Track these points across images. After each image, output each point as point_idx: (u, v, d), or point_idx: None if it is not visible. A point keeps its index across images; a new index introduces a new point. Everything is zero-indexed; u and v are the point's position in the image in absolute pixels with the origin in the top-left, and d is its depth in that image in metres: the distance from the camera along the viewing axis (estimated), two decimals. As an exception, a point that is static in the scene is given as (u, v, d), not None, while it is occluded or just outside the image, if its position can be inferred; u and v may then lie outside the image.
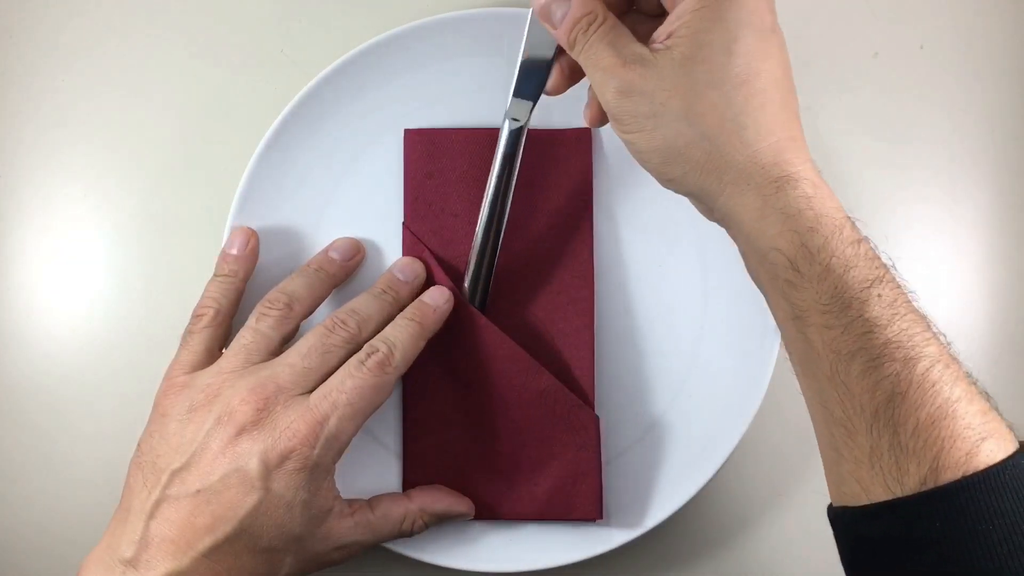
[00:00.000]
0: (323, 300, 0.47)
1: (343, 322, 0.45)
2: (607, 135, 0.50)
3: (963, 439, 0.33)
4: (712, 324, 0.50)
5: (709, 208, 0.40)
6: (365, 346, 0.44)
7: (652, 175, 0.41)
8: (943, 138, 0.55)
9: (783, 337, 0.39)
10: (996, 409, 0.35)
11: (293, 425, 0.41)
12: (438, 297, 0.47)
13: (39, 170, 0.54)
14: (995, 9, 0.55)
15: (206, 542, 0.40)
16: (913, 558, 0.33)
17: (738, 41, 0.38)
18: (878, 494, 0.34)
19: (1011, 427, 0.35)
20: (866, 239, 0.37)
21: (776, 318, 0.39)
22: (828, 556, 0.53)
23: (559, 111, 0.49)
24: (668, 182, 0.40)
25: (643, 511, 0.49)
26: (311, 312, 0.47)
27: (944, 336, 0.36)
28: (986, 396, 0.35)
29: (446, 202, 0.50)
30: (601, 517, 0.48)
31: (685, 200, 0.42)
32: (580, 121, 0.48)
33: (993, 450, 0.33)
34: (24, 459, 0.53)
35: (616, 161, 0.51)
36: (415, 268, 0.48)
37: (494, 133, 0.48)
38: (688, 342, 0.50)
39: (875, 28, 0.55)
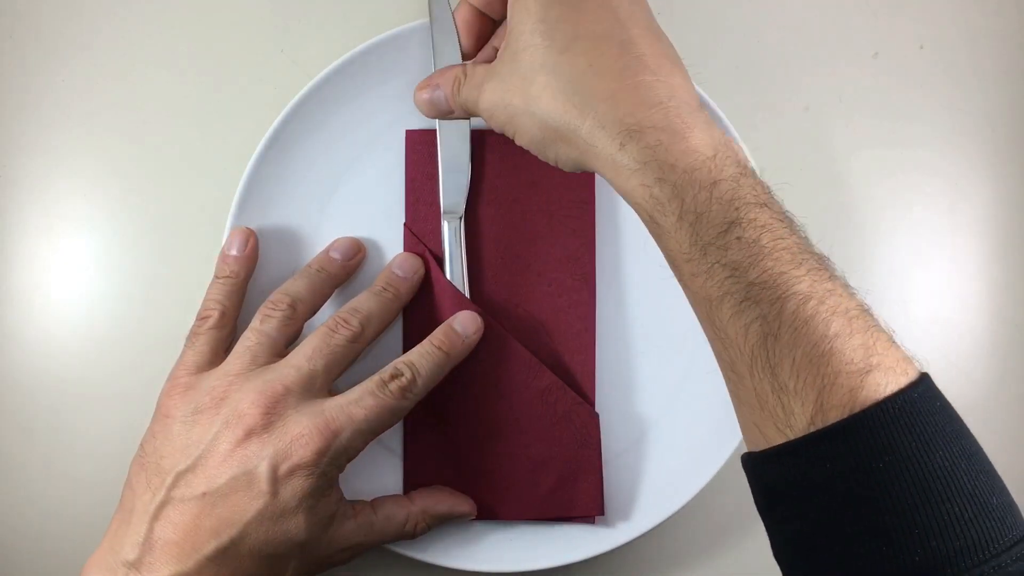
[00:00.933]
0: (326, 300, 0.47)
1: (345, 321, 0.45)
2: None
3: (845, 375, 0.32)
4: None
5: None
6: (390, 367, 0.44)
7: None
8: (943, 138, 0.55)
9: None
10: (892, 340, 0.34)
11: (306, 433, 0.41)
12: (469, 326, 0.47)
13: (39, 170, 0.54)
14: (995, 9, 0.55)
15: (211, 546, 0.40)
16: (811, 501, 0.33)
17: (546, 18, 0.38)
18: (773, 437, 0.34)
19: (910, 358, 0.34)
20: (735, 174, 0.35)
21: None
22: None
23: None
24: (552, 162, 0.41)
25: (643, 511, 0.49)
26: (314, 312, 0.47)
27: (826, 267, 0.35)
28: (874, 328, 0.33)
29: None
30: (603, 513, 0.49)
31: None
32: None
33: (880, 383, 0.32)
34: (24, 459, 0.53)
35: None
36: (414, 264, 0.48)
37: (498, 134, 0.48)
38: (687, 341, 0.50)
39: (875, 28, 0.55)
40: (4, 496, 0.53)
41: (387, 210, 0.50)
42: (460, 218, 0.49)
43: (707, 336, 0.38)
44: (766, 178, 0.50)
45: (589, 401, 0.49)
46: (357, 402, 0.42)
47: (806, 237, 0.36)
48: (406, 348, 0.49)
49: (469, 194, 0.49)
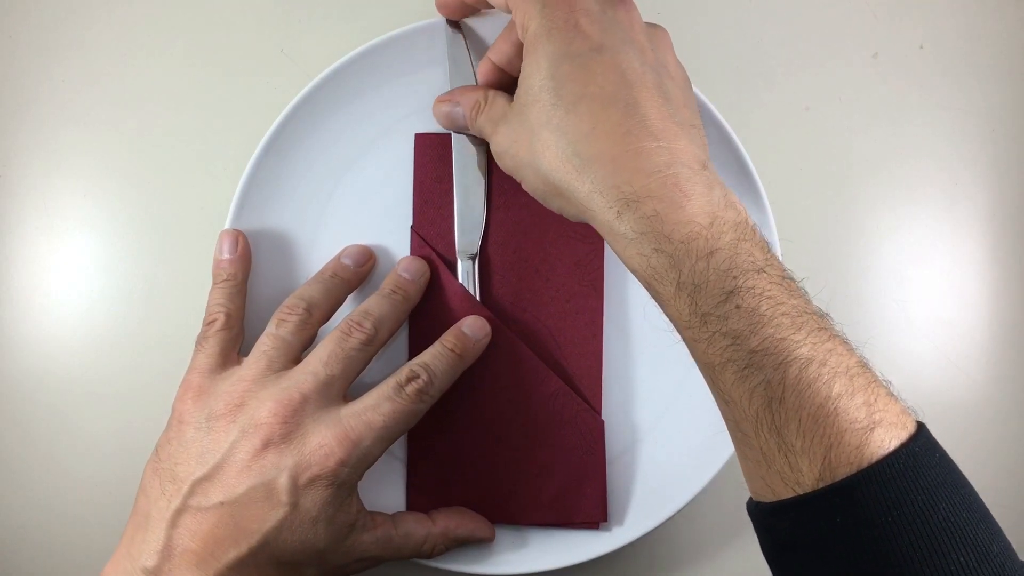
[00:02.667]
0: (340, 305, 0.47)
1: (359, 324, 0.44)
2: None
3: (850, 432, 0.33)
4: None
5: None
6: (405, 370, 0.44)
7: None
8: (943, 138, 0.55)
9: None
10: (891, 394, 0.35)
11: (326, 443, 0.41)
12: (478, 330, 0.47)
13: (39, 170, 0.54)
14: (995, 9, 0.55)
15: (230, 555, 0.40)
16: (821, 553, 0.33)
17: (556, 75, 0.38)
18: (781, 492, 0.34)
19: (908, 410, 0.35)
20: (732, 241, 0.35)
21: None
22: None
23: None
24: (557, 212, 0.41)
25: (643, 513, 0.49)
26: (329, 318, 0.47)
27: (826, 327, 0.35)
28: (874, 384, 0.34)
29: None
30: (605, 520, 0.49)
31: None
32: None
33: (884, 439, 0.33)
34: (24, 458, 0.53)
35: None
36: (419, 266, 0.48)
37: None
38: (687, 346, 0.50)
39: (875, 28, 0.55)
40: (4, 496, 0.53)
41: (388, 211, 0.50)
42: (474, 257, 0.49)
43: (712, 393, 0.38)
44: (765, 178, 0.50)
45: (595, 408, 0.50)
46: (375, 408, 0.42)
47: (805, 296, 0.36)
48: (412, 348, 0.49)
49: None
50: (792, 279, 0.36)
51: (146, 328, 0.53)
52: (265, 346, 0.44)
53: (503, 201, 0.50)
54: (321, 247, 0.50)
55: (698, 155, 0.38)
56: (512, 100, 0.42)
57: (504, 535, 0.49)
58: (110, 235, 0.54)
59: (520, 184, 0.43)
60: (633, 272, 0.38)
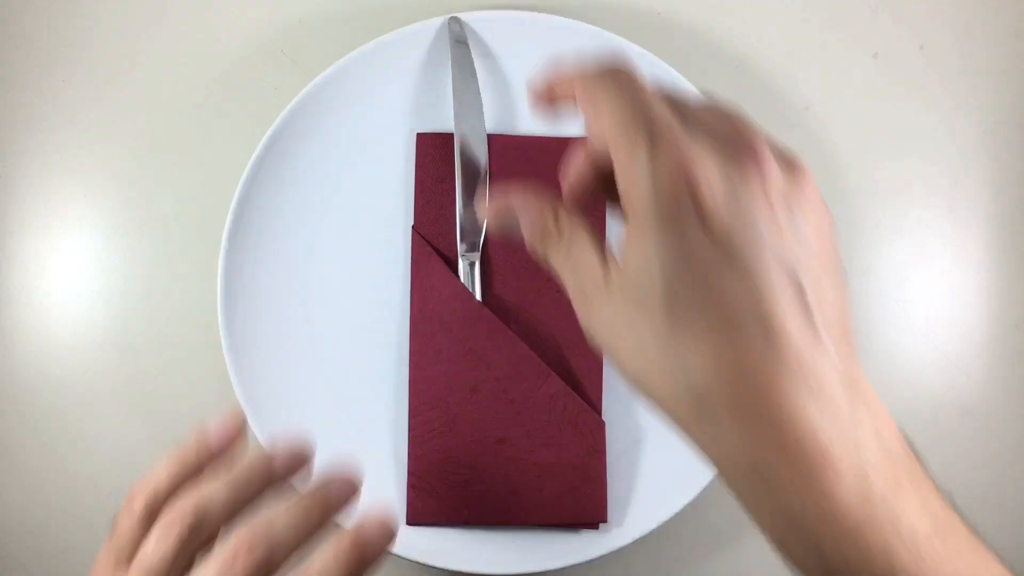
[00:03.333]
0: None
1: (249, 547, 0.35)
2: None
3: None
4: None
5: None
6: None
7: None
8: (943, 138, 0.55)
9: None
10: None
11: None
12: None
13: (39, 170, 0.54)
14: (995, 9, 0.55)
15: None
16: None
17: (667, 278, 0.29)
18: None
19: None
20: (893, 518, 0.29)
21: None
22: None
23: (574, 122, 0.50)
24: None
25: (644, 514, 0.49)
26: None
27: (986, 549, 0.30)
28: None
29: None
30: (606, 520, 0.49)
31: None
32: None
33: None
34: (24, 458, 0.53)
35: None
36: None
37: (504, 138, 0.50)
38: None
39: (875, 28, 0.55)
40: (4, 495, 0.53)
41: (388, 211, 0.50)
42: (476, 257, 0.49)
43: None
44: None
45: (596, 408, 0.50)
46: None
47: (972, 544, 0.30)
48: (412, 348, 0.49)
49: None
50: (958, 520, 0.30)
51: (146, 328, 0.53)
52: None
53: None
54: (321, 247, 0.50)
55: (841, 374, 0.30)
56: (596, 247, 0.33)
57: (504, 535, 0.49)
58: (110, 235, 0.53)
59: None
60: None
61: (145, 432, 0.53)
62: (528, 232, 0.34)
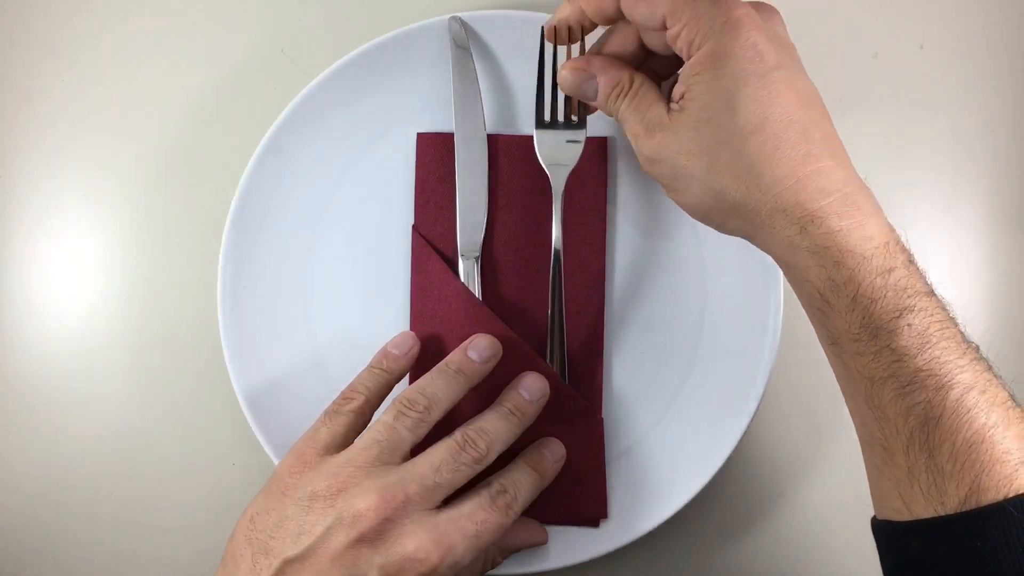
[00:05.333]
0: (457, 400, 0.46)
1: (474, 441, 0.44)
2: (621, 143, 0.51)
3: (1002, 463, 0.34)
4: (711, 325, 0.50)
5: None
6: (495, 484, 0.44)
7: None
8: (943, 138, 0.55)
9: (827, 357, 0.40)
10: None
11: (423, 547, 0.40)
12: (558, 452, 0.48)
13: (39, 170, 0.54)
14: (995, 9, 0.55)
15: None
16: (955, 574, 0.34)
17: (738, 94, 0.39)
18: (920, 511, 0.35)
19: None
20: (905, 263, 0.37)
21: (818, 339, 0.40)
22: (828, 556, 0.53)
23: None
24: (714, 227, 0.42)
25: (644, 513, 0.49)
26: (445, 413, 0.46)
27: (983, 358, 0.37)
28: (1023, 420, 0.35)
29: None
30: (606, 518, 0.49)
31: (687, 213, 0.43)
32: (598, 131, 0.49)
33: None
34: (24, 458, 0.53)
35: (624, 170, 0.51)
36: (541, 386, 0.47)
37: (504, 138, 0.50)
38: (687, 344, 0.50)
39: (875, 28, 0.55)
40: (4, 495, 0.53)
41: (388, 211, 0.50)
42: (476, 257, 0.49)
43: (851, 410, 0.39)
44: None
45: (595, 407, 0.50)
46: (470, 516, 0.42)
47: (963, 326, 0.37)
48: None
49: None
50: (951, 308, 0.38)
51: (146, 328, 0.53)
52: (380, 435, 0.43)
53: (505, 201, 0.50)
54: (321, 247, 0.50)
55: (859, 178, 0.39)
56: (658, 94, 0.43)
57: (504, 535, 0.49)
58: (110, 236, 0.53)
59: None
60: (806, 284, 0.38)
61: (145, 432, 0.53)
62: (606, 89, 0.43)
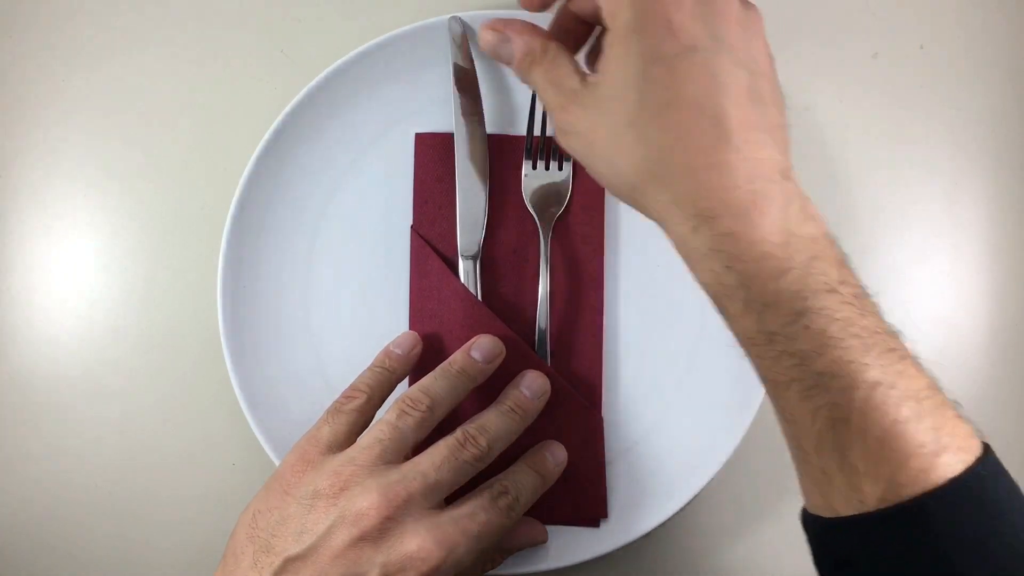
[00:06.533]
0: (460, 401, 0.46)
1: (475, 439, 0.44)
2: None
3: (917, 457, 0.32)
4: (712, 325, 0.50)
5: None
6: (497, 485, 0.44)
7: None
8: (943, 138, 0.55)
9: None
10: (959, 416, 0.34)
11: (425, 546, 0.40)
12: (560, 455, 0.48)
13: (39, 170, 0.54)
14: (995, 9, 0.55)
15: None
16: (879, 572, 0.33)
17: (645, 74, 0.36)
18: (841, 510, 0.34)
19: (975, 433, 0.34)
20: (807, 261, 0.35)
21: None
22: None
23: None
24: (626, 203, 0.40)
25: (644, 512, 0.49)
26: (448, 413, 0.46)
27: (896, 348, 0.35)
28: (942, 407, 0.34)
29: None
30: (606, 517, 0.49)
31: None
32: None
33: (951, 463, 0.32)
34: (24, 459, 0.53)
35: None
36: (543, 385, 0.47)
37: (504, 138, 0.50)
38: (687, 343, 0.50)
39: (875, 28, 0.55)
40: (4, 495, 0.53)
41: (388, 211, 0.50)
42: (476, 256, 0.49)
43: (774, 409, 0.38)
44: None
45: (595, 406, 0.50)
46: (471, 515, 0.42)
47: (878, 314, 0.36)
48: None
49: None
50: (866, 296, 0.36)
51: (146, 328, 0.53)
52: (382, 434, 0.43)
53: (504, 200, 0.50)
54: (321, 247, 0.50)
55: (780, 163, 0.37)
56: (574, 65, 0.40)
57: (504, 535, 0.49)
58: (110, 235, 0.54)
59: (586, 170, 0.41)
60: (703, 286, 0.37)
61: (145, 432, 0.53)
62: (519, 53, 0.42)
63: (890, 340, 0.35)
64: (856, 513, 0.34)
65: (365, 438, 0.43)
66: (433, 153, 0.50)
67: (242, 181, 0.49)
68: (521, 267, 0.50)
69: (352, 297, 0.50)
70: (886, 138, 0.55)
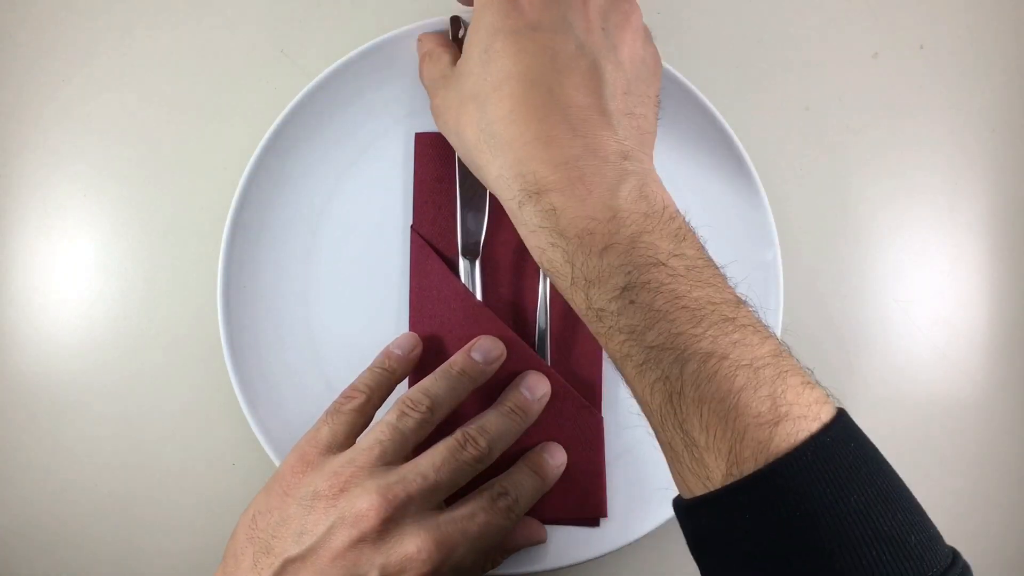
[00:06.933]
0: (461, 402, 0.46)
1: (475, 440, 0.44)
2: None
3: (754, 427, 0.32)
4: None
5: None
6: (496, 486, 0.44)
7: None
8: (943, 138, 0.55)
9: None
10: (807, 382, 0.33)
11: (424, 548, 0.40)
12: (560, 457, 0.47)
13: (39, 170, 0.54)
14: (995, 9, 0.55)
15: None
16: (734, 550, 0.33)
17: (488, 48, 0.38)
18: (694, 488, 0.34)
19: (827, 398, 0.33)
20: (634, 235, 0.34)
21: None
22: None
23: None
24: None
25: (644, 512, 0.49)
26: (448, 414, 0.46)
27: (733, 317, 0.34)
28: (785, 374, 0.33)
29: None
30: (606, 516, 0.49)
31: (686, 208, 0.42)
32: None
33: (790, 432, 0.32)
34: (24, 459, 0.53)
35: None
36: (544, 388, 0.47)
37: None
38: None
39: (875, 28, 0.55)
40: (3, 496, 0.53)
41: (388, 211, 0.50)
42: (476, 256, 0.49)
43: None
44: (765, 178, 0.50)
45: (595, 405, 0.50)
46: (470, 517, 0.42)
47: (717, 285, 0.35)
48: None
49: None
50: (708, 267, 0.35)
51: (146, 328, 0.53)
52: (383, 435, 0.43)
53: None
54: (321, 247, 0.50)
55: (621, 147, 0.37)
56: (453, 59, 0.43)
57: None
58: (110, 235, 0.54)
59: None
60: (536, 261, 0.38)
61: (145, 432, 0.53)
62: (419, 61, 0.46)
63: (729, 310, 0.34)
64: (705, 492, 0.33)
65: (365, 439, 0.43)
66: (433, 153, 0.50)
67: (242, 181, 0.49)
68: (521, 267, 0.50)
69: (352, 297, 0.50)
70: (886, 138, 0.55)
